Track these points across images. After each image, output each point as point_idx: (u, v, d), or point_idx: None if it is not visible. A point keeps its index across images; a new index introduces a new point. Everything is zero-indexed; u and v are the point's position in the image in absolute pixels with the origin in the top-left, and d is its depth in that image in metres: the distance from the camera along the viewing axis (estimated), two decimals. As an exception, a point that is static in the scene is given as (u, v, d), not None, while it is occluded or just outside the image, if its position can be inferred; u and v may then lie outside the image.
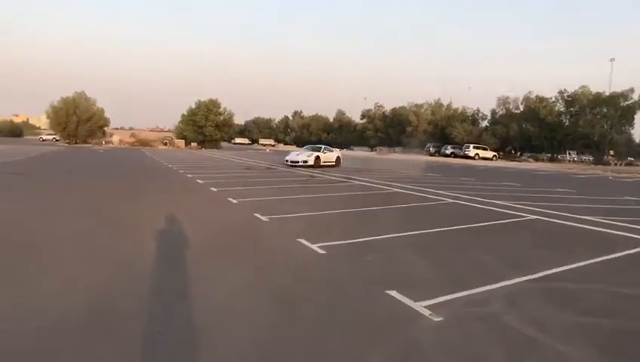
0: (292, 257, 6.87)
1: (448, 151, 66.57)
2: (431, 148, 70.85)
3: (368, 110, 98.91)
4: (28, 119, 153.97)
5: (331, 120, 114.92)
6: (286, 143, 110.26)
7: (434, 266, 6.56)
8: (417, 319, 4.53)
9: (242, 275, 5.86)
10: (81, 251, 6.82)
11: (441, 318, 4.52)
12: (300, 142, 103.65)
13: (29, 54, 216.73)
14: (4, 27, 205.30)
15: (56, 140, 76.02)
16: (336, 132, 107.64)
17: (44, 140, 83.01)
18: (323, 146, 33.04)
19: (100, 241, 7.51)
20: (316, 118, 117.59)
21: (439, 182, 21.30)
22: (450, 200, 13.94)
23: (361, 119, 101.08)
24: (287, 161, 30.02)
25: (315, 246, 7.27)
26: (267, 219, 9.70)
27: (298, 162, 29.18)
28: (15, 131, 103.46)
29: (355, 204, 12.84)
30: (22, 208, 10.59)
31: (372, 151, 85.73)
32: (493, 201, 13.80)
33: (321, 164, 29.70)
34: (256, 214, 10.18)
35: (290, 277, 5.89)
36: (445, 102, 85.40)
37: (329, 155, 31.26)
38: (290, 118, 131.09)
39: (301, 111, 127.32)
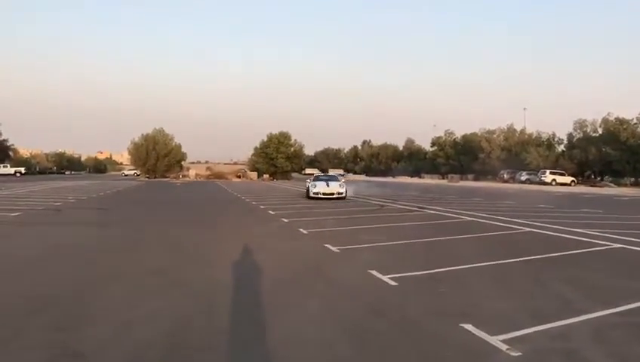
0: (363, 289, 6.83)
1: (523, 178, 64.20)
2: (505, 175, 68.70)
3: (438, 137, 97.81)
4: (111, 155, 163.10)
5: (401, 148, 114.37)
6: (355, 173, 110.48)
7: (511, 298, 6.32)
8: (494, 354, 4.37)
9: (315, 307, 5.88)
10: (159, 281, 7.10)
11: (519, 353, 4.34)
12: (369, 172, 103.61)
13: (111, 95, 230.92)
14: (88, 75, 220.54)
15: (137, 175, 79.95)
16: (406, 160, 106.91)
17: (126, 175, 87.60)
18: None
19: (176, 272, 7.79)
20: (385, 147, 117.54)
21: (515, 209, 20.59)
22: (527, 229, 13.44)
23: (432, 147, 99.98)
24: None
25: (386, 278, 7.20)
26: (338, 250, 9.72)
27: (318, 194, 25.95)
28: (99, 167, 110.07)
29: (427, 233, 12.63)
30: (103, 241, 11.17)
31: (443, 178, 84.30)
32: (573, 229, 13.16)
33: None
34: (326, 245, 10.22)
35: (362, 309, 5.84)
36: (519, 128, 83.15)
37: (333, 185, 27.13)
38: (359, 147, 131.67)
39: (370, 141, 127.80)
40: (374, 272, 7.58)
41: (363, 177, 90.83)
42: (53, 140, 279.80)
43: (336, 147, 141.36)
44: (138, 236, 12.13)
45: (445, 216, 17.40)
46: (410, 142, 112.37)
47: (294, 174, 79.87)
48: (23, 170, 78.07)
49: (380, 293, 6.57)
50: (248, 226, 14.58)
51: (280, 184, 54.25)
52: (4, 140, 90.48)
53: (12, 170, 74.85)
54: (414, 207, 21.30)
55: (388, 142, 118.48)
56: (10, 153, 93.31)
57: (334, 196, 25.96)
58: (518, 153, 75.01)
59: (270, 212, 18.41)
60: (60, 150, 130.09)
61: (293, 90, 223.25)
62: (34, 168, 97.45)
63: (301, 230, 12.82)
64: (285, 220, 15.42)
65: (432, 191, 37.58)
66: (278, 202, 24.46)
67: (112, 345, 4.55)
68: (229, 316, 5.48)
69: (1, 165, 76.87)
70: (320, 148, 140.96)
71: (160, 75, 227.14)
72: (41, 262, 8.67)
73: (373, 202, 24.30)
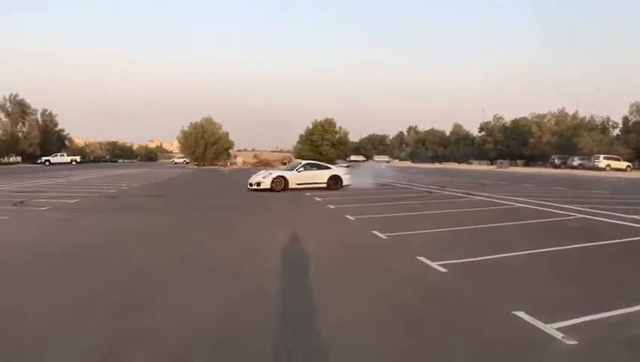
0: (412, 275, 6.83)
1: (575, 163, 62.02)
2: (556, 160, 66.56)
3: (487, 122, 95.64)
4: (161, 144, 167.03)
5: (448, 133, 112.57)
6: (401, 159, 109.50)
7: (565, 286, 6.19)
8: (548, 342, 4.30)
9: (365, 293, 5.92)
10: (213, 264, 7.29)
11: (574, 342, 4.26)
12: (415, 158, 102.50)
13: (161, 85, 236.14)
14: (139, 65, 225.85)
15: (187, 163, 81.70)
16: (453, 146, 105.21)
17: (175, 163, 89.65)
18: (304, 162, 25.64)
19: (229, 257, 7.98)
20: (432, 133, 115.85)
21: (566, 195, 20.02)
22: (579, 216, 13.06)
23: (479, 132, 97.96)
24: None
25: (435, 265, 7.16)
26: (385, 237, 9.72)
27: (252, 185, 22.40)
28: (150, 155, 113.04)
29: (476, 220, 12.46)
30: (157, 227, 11.53)
31: (492, 164, 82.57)
32: (629, 216, 12.71)
33: (294, 186, 22.36)
34: (374, 231, 10.23)
35: (412, 296, 5.85)
36: (570, 111, 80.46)
37: (311, 174, 23.31)
38: (405, 133, 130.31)
39: (416, 126, 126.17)
40: (423, 259, 7.55)
41: (409, 163, 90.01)
42: (106, 130, 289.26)
43: (381, 133, 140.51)
44: (190, 222, 12.44)
45: (494, 202, 17.09)
46: (457, 127, 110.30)
47: (339, 161, 79.87)
48: (78, 158, 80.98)
49: (429, 280, 6.56)
50: (295, 213, 14.73)
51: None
52: (60, 130, 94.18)
53: (68, 159, 77.74)
54: (462, 193, 20.99)
55: (435, 128, 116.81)
56: (67, 142, 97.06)
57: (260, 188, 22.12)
58: (570, 138, 72.59)
59: (317, 199, 18.51)
60: (113, 139, 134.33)
61: (338, 77, 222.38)
62: (88, 157, 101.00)
63: (348, 216, 12.85)
64: (332, 207, 15.49)
65: (480, 177, 36.91)
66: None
67: (170, 327, 4.71)
68: (279, 301, 5.59)
69: (58, 154, 79.91)
70: (365, 135, 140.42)
71: (209, 65, 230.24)
72: (100, 248, 9.03)
73: (420, 189, 24.09)
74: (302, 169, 23.52)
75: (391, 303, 5.55)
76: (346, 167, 29.21)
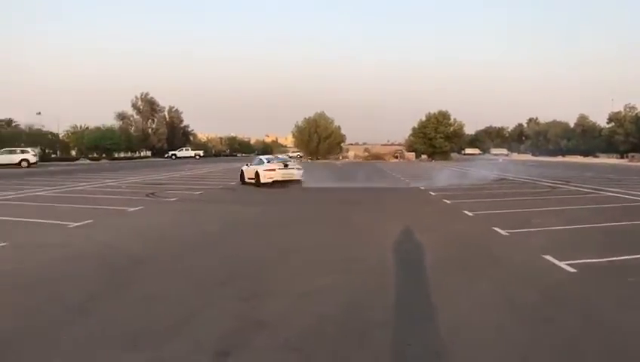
0: (538, 275, 6.48)
1: None
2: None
3: (617, 113, 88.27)
4: (277, 138, 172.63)
5: (572, 125, 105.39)
6: (520, 152, 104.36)
7: None
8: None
9: (487, 291, 5.72)
10: (332, 256, 7.43)
11: None
12: (535, 151, 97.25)
13: (278, 80, 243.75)
14: (260, 59, 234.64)
15: (301, 157, 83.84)
16: (578, 138, 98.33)
17: (290, 157, 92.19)
18: (266, 157, 25.04)
19: (346, 248, 8.08)
20: (554, 124, 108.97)
21: None
22: None
23: (608, 123, 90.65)
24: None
25: (563, 264, 6.74)
26: (507, 233, 9.32)
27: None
28: (266, 150, 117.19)
29: (606, 217, 11.57)
30: (276, 218, 11.97)
31: (622, 158, 76.15)
32: None
33: (264, 181, 20.85)
34: (494, 228, 9.85)
35: (538, 296, 5.53)
36: None
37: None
38: (525, 125, 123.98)
39: (537, 118, 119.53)
40: (549, 257, 7.15)
41: (529, 157, 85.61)
42: (226, 125, 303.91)
43: (498, 125, 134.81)
44: (308, 213, 12.76)
45: (627, 198, 15.75)
46: (583, 118, 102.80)
47: (453, 154, 77.86)
48: (201, 152, 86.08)
49: (557, 280, 6.18)
50: (410, 207, 14.57)
51: (439, 164, 53.25)
52: (185, 126, 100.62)
53: (192, 153, 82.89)
54: (589, 188, 19.58)
55: (557, 119, 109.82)
56: (191, 137, 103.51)
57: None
58: None
59: (431, 193, 18.19)
60: (232, 134, 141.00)
61: (452, 68, 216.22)
62: (210, 151, 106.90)
63: (466, 212, 12.49)
64: (448, 201, 15.14)
65: (609, 172, 34.20)
66: (437, 183, 24.01)
67: (293, 315, 4.87)
68: (399, 294, 5.56)
69: (184, 149, 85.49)
70: (481, 127, 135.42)
71: (325, 61, 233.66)
72: (224, 237, 9.53)
73: (543, 183, 22.80)
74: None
75: (515, 304, 5.29)
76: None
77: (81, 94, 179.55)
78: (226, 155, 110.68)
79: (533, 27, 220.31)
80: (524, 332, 4.47)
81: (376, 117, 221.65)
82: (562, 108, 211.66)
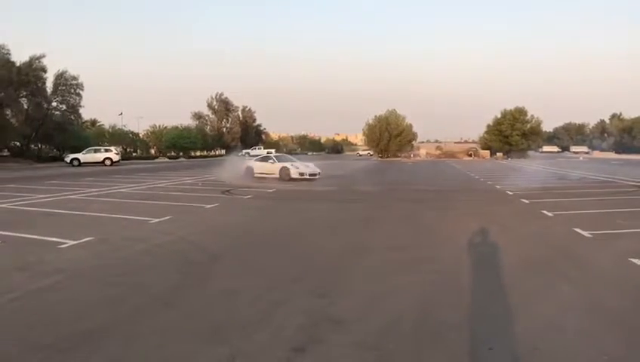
0: (625, 279, 6.14)
1: None
2: None
3: None
4: (347, 137, 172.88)
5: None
6: (602, 150, 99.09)
7: None
8: None
9: (570, 295, 5.49)
10: (404, 256, 7.37)
11: None
12: (619, 148, 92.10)
13: (348, 78, 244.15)
14: (330, 59, 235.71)
15: (371, 155, 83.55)
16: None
17: (360, 155, 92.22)
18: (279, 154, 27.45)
19: (419, 249, 8.00)
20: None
21: None
22: None
23: None
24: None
25: (653, 269, 6.38)
26: (590, 235, 8.89)
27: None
28: (336, 148, 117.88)
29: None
30: (347, 216, 12.00)
31: None
32: None
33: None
34: (576, 229, 9.43)
35: (626, 301, 5.24)
36: None
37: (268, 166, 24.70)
38: (607, 121, 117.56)
39: (620, 114, 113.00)
40: (637, 261, 6.78)
41: (612, 155, 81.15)
42: (297, 124, 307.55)
43: (578, 122, 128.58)
44: (379, 213, 12.71)
45: None
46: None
47: (530, 152, 74.92)
48: (274, 151, 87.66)
49: (646, 286, 5.85)
50: (486, 206, 14.19)
51: (515, 163, 51.53)
52: (258, 125, 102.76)
53: (265, 152, 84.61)
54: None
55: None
56: (263, 136, 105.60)
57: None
58: None
59: (508, 192, 17.64)
60: (303, 133, 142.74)
61: (529, 62, 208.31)
62: (282, 149, 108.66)
63: (545, 212, 12.01)
64: (526, 201, 14.63)
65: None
66: (513, 181, 23.25)
67: (367, 314, 4.88)
68: (476, 296, 5.45)
69: (256, 147, 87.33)
70: (560, 124, 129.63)
71: (397, 60, 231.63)
72: (295, 234, 9.67)
73: (628, 183, 21.55)
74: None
75: (600, 308, 5.06)
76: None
77: (160, 95, 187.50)
78: (297, 154, 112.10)
79: (604, 14, 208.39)
80: (610, 338, 4.27)
81: (450, 115, 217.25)
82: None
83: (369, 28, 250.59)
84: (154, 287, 5.88)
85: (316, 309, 5.03)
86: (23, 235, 9.08)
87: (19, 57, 50.17)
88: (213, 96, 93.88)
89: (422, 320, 4.71)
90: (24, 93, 50.75)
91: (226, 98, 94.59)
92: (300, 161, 26.73)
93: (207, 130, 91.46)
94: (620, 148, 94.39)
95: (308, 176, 23.93)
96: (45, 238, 8.73)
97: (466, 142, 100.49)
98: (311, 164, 25.96)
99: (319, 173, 24.68)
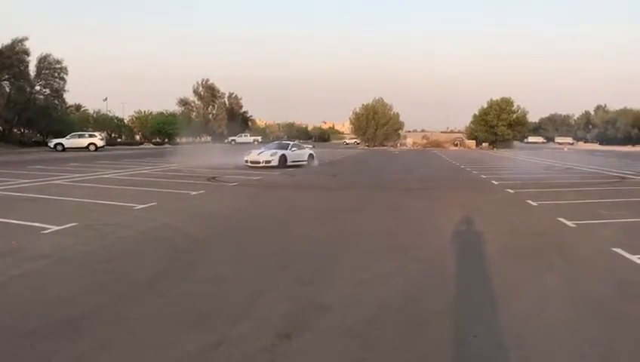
0: (608, 269, 6.22)
1: None
2: None
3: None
4: (334, 125, 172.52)
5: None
6: (586, 141, 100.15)
7: None
8: None
9: (554, 285, 5.53)
10: (390, 244, 7.40)
11: None
12: (603, 140, 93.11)
13: (335, 66, 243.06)
14: (321, 44, 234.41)
15: (357, 143, 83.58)
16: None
17: (347, 144, 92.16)
18: (291, 143, 28.61)
19: (403, 237, 8.03)
20: (624, 112, 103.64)
21: None
22: None
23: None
24: (246, 161, 24.57)
25: (636, 258, 6.45)
26: (573, 225, 8.99)
27: (259, 162, 23.98)
28: (323, 136, 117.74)
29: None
30: (333, 205, 12.00)
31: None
32: None
33: (289, 163, 24.64)
34: (560, 219, 9.52)
35: (610, 291, 5.28)
36: None
37: (298, 153, 26.59)
38: (592, 113, 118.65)
39: (605, 105, 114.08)
40: (619, 251, 6.87)
41: (596, 146, 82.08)
42: (284, 112, 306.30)
43: (564, 113, 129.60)
44: (365, 201, 12.73)
45: None
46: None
47: (516, 143, 75.42)
48: (260, 138, 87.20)
49: (629, 275, 5.91)
50: (472, 195, 14.28)
51: (500, 153, 51.89)
52: (244, 112, 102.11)
53: (251, 139, 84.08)
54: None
55: (627, 107, 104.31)
56: (249, 123, 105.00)
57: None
58: None
59: (493, 182, 17.76)
60: (290, 121, 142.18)
61: (515, 53, 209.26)
62: (268, 137, 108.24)
63: (529, 201, 12.12)
64: (511, 191, 14.74)
65: None
66: (499, 171, 23.43)
67: (353, 301, 4.89)
68: (461, 284, 5.48)
69: (243, 134, 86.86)
70: (545, 115, 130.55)
71: (385, 48, 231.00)
72: (281, 222, 9.66)
73: (611, 173, 21.80)
74: (295, 148, 26.75)
75: (585, 297, 5.11)
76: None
77: (144, 80, 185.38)
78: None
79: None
80: (598, 326, 4.32)
81: (436, 104, 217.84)
82: (633, 96, 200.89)
83: (357, 15, 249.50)
84: (139, 274, 5.84)
85: (303, 296, 5.03)
86: (5, 220, 8.96)
87: (0, 40, 49.44)
88: (199, 82, 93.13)
89: (408, 308, 4.73)
90: (6, 77, 49.98)
91: (212, 84, 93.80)
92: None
93: (193, 116, 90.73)
94: (603, 139, 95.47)
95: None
96: (28, 223, 8.62)
97: (452, 132, 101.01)
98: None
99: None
